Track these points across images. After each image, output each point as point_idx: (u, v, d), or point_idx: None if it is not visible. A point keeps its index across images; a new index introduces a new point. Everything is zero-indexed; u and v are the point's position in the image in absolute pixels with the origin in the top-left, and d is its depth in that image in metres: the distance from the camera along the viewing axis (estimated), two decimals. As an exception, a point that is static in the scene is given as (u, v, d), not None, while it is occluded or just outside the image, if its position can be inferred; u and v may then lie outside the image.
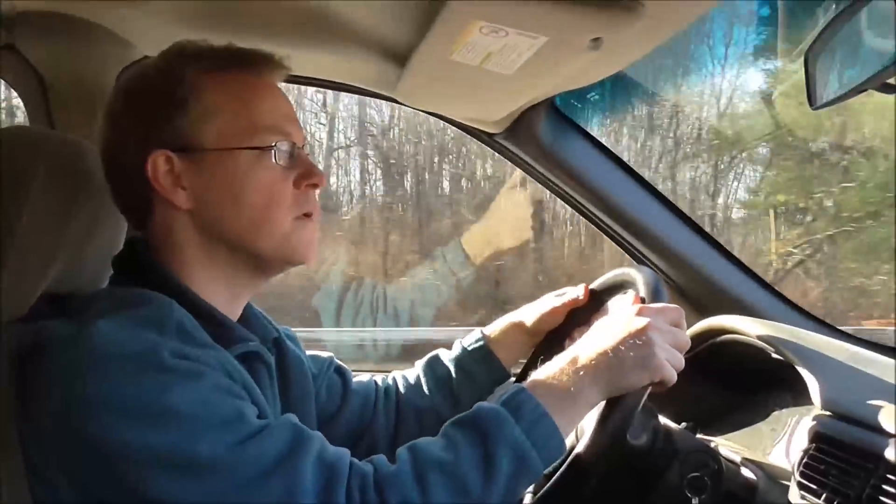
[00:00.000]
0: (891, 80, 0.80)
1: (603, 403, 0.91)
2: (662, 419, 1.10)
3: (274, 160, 0.91)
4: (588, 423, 0.95)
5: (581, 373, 0.88)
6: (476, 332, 1.25)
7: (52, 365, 0.80)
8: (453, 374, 1.21)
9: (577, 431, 1.02)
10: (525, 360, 1.25)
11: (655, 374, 0.89)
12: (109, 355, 0.78)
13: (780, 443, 1.14)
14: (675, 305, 0.97)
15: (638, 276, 1.05)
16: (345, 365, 1.24)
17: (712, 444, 1.17)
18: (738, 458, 1.14)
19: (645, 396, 0.91)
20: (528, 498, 1.00)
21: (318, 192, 0.97)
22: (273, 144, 0.91)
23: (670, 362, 0.90)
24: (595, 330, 0.94)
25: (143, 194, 0.92)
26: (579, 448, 0.92)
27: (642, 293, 1.01)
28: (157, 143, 0.90)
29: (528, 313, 1.23)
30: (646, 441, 1.04)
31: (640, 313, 0.92)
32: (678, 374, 0.91)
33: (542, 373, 0.90)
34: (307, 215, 0.95)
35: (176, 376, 0.78)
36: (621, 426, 0.91)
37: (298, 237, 0.94)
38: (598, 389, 0.88)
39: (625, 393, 0.89)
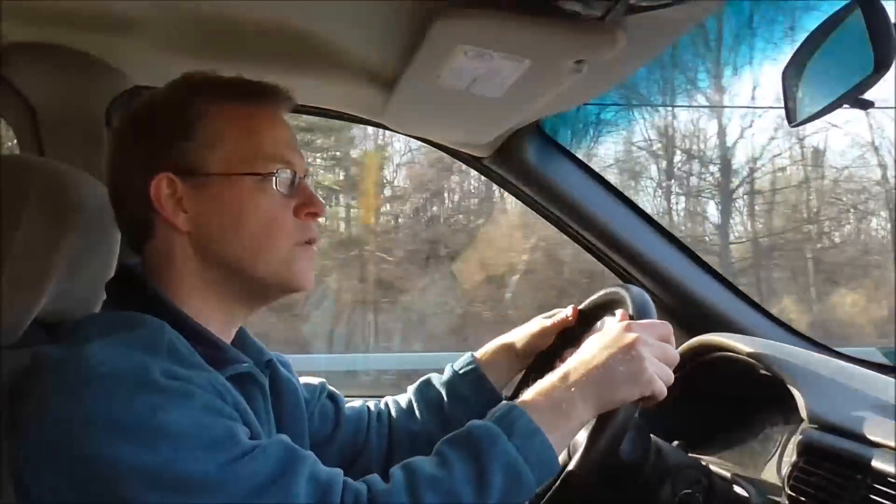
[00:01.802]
0: (865, 96, 0.82)
1: (595, 420, 0.92)
2: (654, 438, 1.10)
3: (275, 187, 0.93)
4: (580, 440, 0.95)
5: (573, 389, 0.89)
6: (467, 356, 1.25)
7: (45, 387, 0.80)
8: (445, 398, 1.21)
9: (569, 448, 1.02)
10: (516, 382, 1.25)
11: (646, 389, 0.89)
12: (101, 375, 0.77)
13: (771, 459, 1.14)
14: (664, 321, 0.98)
15: (626, 293, 1.06)
16: (337, 391, 1.24)
17: (704, 462, 1.17)
18: (729, 475, 1.14)
19: (636, 411, 0.91)
20: None
21: (317, 221, 0.98)
22: (274, 171, 0.93)
23: (660, 377, 0.90)
24: (585, 346, 0.95)
25: (144, 216, 0.93)
26: (572, 464, 0.92)
27: (630, 310, 1.02)
28: (162, 166, 0.91)
29: (518, 335, 1.24)
30: (638, 457, 1.04)
31: (629, 329, 0.93)
32: (668, 392, 0.92)
33: (534, 390, 0.91)
34: (307, 242, 0.96)
35: (167, 396, 0.77)
36: (613, 441, 0.92)
37: (297, 264, 0.95)
38: (589, 405, 0.89)
39: (616, 408, 0.90)
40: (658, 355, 0.92)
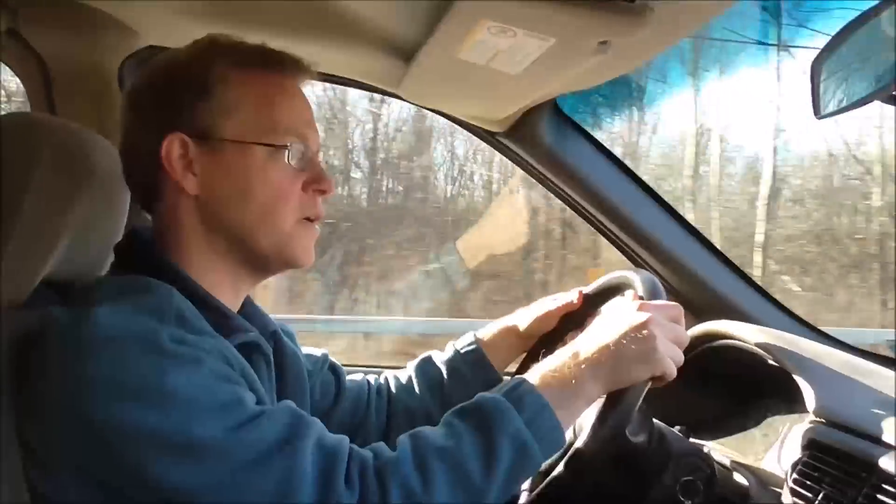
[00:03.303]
0: (896, 92, 0.81)
1: (602, 399, 0.92)
2: (656, 422, 1.10)
3: (287, 160, 0.92)
4: (587, 420, 0.95)
5: (583, 366, 0.88)
6: (469, 335, 1.25)
7: (53, 350, 0.80)
8: (445, 377, 1.22)
9: (574, 428, 1.02)
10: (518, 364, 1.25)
11: (657, 368, 0.89)
12: (109, 339, 0.78)
13: (772, 449, 1.15)
14: (675, 303, 0.97)
15: (635, 276, 1.06)
16: (338, 363, 1.24)
17: (705, 448, 1.17)
18: (730, 463, 1.14)
19: (645, 391, 0.91)
20: (524, 497, 1.01)
21: (324, 198, 0.97)
22: (288, 144, 0.92)
23: (671, 357, 0.90)
24: (596, 325, 0.94)
25: (154, 176, 0.92)
26: (579, 442, 0.92)
27: (640, 292, 1.02)
28: (176, 126, 0.90)
29: (522, 317, 1.24)
30: (643, 440, 1.04)
31: (640, 309, 0.93)
32: (676, 375, 0.92)
33: (544, 366, 0.90)
34: (310, 219, 0.96)
35: (175, 360, 0.78)
36: (621, 421, 0.92)
37: (298, 239, 0.95)
38: (599, 383, 0.89)
39: (626, 387, 0.90)
40: (669, 336, 0.91)
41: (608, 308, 1.17)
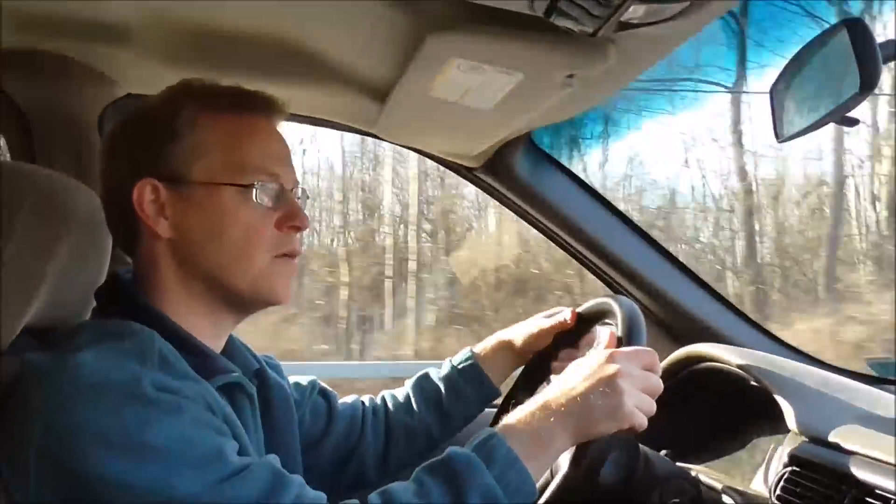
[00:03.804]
0: (851, 114, 0.83)
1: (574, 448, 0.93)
2: (642, 447, 1.11)
3: (255, 199, 0.93)
4: (563, 462, 0.96)
5: (552, 418, 0.89)
6: (465, 351, 1.26)
7: (34, 395, 0.79)
8: (443, 392, 1.22)
9: (551, 470, 1.02)
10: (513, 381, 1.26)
11: (624, 423, 0.90)
12: (91, 385, 0.77)
13: (759, 470, 1.15)
14: (649, 349, 0.97)
15: (619, 311, 1.05)
16: (329, 387, 1.24)
17: (692, 472, 1.18)
18: (718, 486, 1.15)
19: (614, 442, 0.92)
20: None
21: (300, 234, 0.98)
22: (255, 184, 0.93)
23: (640, 408, 0.90)
24: (567, 373, 0.95)
25: (130, 219, 0.93)
26: (548, 493, 0.93)
27: (620, 330, 1.02)
28: (148, 170, 0.91)
29: (517, 333, 1.25)
30: (622, 477, 1.04)
31: (611, 359, 0.93)
32: (657, 402, 0.92)
33: (514, 417, 0.91)
34: (287, 255, 0.96)
35: (157, 410, 0.77)
36: (591, 470, 0.93)
37: (276, 276, 0.95)
38: (568, 434, 0.89)
39: (593, 439, 0.91)
40: (640, 386, 0.92)
41: (600, 330, 1.17)
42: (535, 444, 0.88)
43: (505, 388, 1.27)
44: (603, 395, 0.89)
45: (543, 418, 0.89)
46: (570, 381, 0.93)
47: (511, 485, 0.84)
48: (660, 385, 0.95)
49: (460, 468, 0.84)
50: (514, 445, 0.86)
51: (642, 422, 0.90)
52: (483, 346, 1.26)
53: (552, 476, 0.98)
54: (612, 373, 0.90)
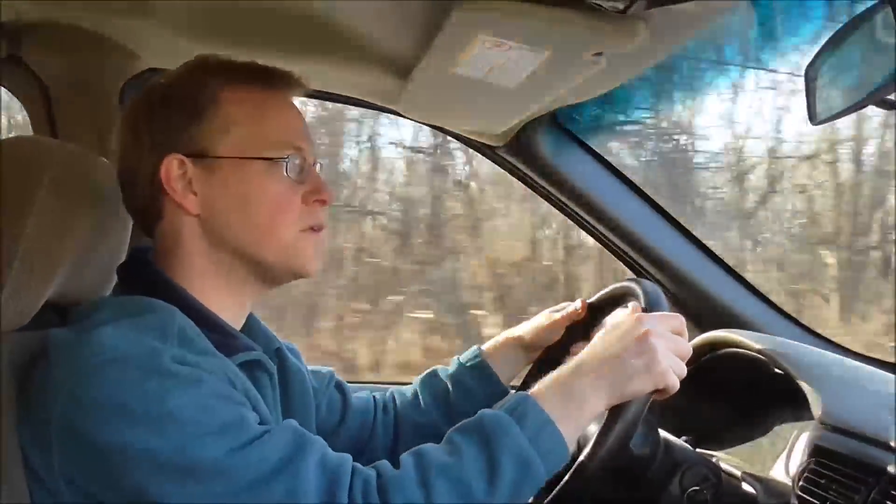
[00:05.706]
0: (890, 97, 0.81)
1: (606, 412, 0.92)
2: (663, 433, 1.10)
3: (285, 173, 0.93)
4: (591, 432, 0.95)
5: (585, 380, 0.88)
6: (473, 348, 1.25)
7: (55, 371, 0.80)
8: (451, 390, 1.21)
9: (579, 440, 1.02)
10: (524, 375, 1.25)
11: (659, 381, 0.88)
12: (111, 360, 0.78)
13: (779, 457, 1.14)
14: (677, 314, 0.97)
15: (638, 287, 1.05)
16: (344, 381, 1.24)
17: (713, 459, 1.17)
18: (738, 473, 1.14)
19: (648, 404, 0.91)
20: None
21: (326, 208, 0.98)
22: (285, 157, 0.93)
23: (673, 369, 0.89)
24: (598, 339, 0.94)
25: (154, 198, 0.93)
26: (583, 456, 0.92)
27: (643, 303, 1.01)
28: (173, 147, 0.91)
29: (526, 328, 1.23)
30: (648, 451, 1.04)
31: (641, 320, 0.92)
32: (679, 388, 0.92)
33: (547, 380, 0.90)
34: (313, 229, 0.96)
35: (177, 381, 0.78)
36: (625, 434, 0.91)
37: (303, 249, 0.95)
38: (602, 396, 0.88)
39: (628, 400, 0.89)
40: (671, 348, 0.91)
41: (610, 320, 1.16)
42: (568, 406, 0.87)
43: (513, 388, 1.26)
44: (637, 354, 0.88)
45: (576, 380, 0.88)
46: (601, 343, 0.92)
47: (543, 446, 0.83)
48: (689, 349, 0.94)
49: (493, 428, 0.84)
50: (546, 407, 0.85)
51: (675, 383, 0.89)
52: (491, 343, 1.25)
53: (580, 448, 0.97)
54: (644, 331, 0.90)
